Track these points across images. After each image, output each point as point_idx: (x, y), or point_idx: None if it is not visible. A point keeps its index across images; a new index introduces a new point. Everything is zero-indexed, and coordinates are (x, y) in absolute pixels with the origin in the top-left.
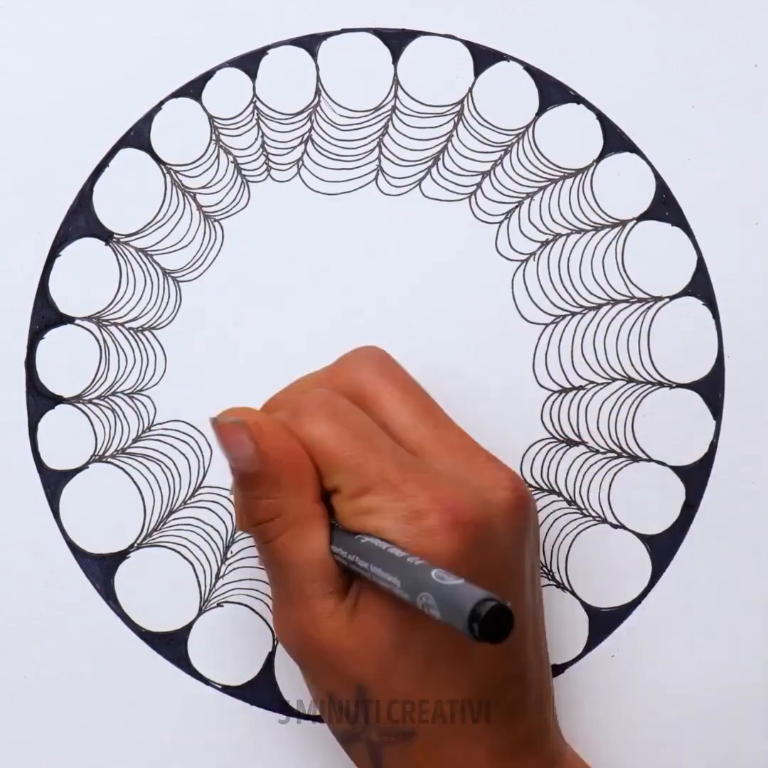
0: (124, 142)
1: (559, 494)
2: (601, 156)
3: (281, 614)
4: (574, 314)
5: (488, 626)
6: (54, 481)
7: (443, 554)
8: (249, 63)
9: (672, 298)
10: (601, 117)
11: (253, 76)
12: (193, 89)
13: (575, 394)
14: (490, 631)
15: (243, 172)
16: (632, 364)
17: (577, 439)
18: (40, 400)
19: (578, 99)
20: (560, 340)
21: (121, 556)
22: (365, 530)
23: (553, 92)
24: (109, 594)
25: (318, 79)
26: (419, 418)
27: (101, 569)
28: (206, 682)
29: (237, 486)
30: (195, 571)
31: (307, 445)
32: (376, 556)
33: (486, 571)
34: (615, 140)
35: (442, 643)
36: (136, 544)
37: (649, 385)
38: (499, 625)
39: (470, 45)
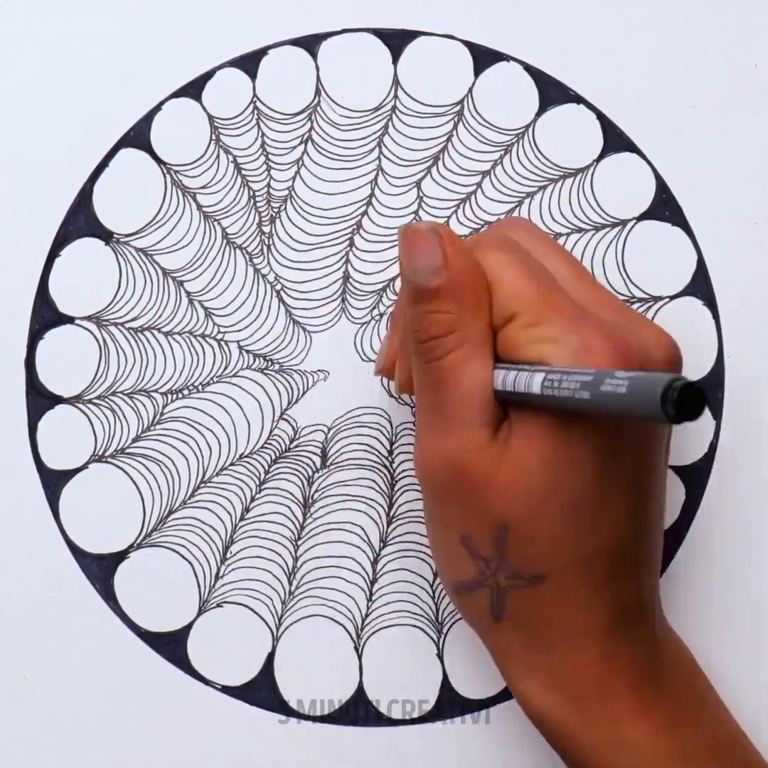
0: (124, 142)
1: None
2: (601, 156)
3: (431, 442)
4: None
5: (682, 405)
6: (54, 481)
7: None
8: (249, 63)
9: (672, 298)
10: (601, 117)
11: (253, 76)
12: (193, 89)
13: None
14: (683, 410)
15: (243, 172)
16: None
17: None
18: (40, 400)
19: (578, 99)
20: None
21: (121, 556)
22: (535, 358)
23: (553, 92)
24: (108, 594)
25: (318, 79)
26: (577, 274)
27: (101, 569)
28: (206, 682)
29: (413, 302)
30: (195, 571)
31: (489, 271)
32: (548, 377)
33: (637, 423)
34: (615, 140)
35: (590, 488)
36: (135, 544)
37: None
38: (692, 404)
39: (470, 45)
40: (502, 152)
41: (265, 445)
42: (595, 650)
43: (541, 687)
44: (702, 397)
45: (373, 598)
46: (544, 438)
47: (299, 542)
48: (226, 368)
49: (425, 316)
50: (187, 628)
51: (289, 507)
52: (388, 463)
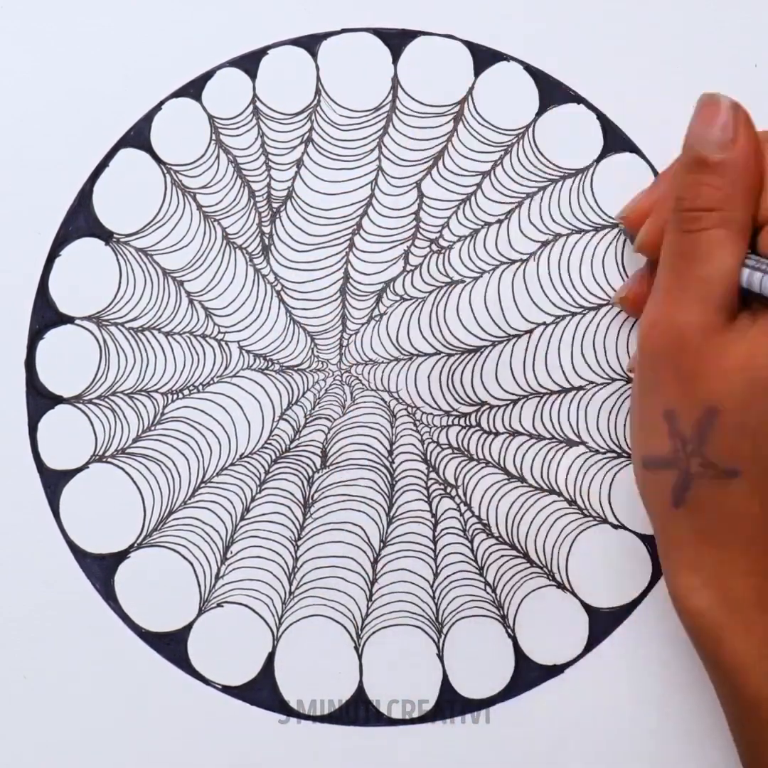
0: (124, 142)
1: (559, 494)
2: (601, 156)
3: (663, 309)
4: (574, 314)
5: None
6: (54, 481)
7: None
8: (249, 63)
9: None
10: (601, 117)
11: (253, 76)
12: (193, 89)
13: (575, 394)
14: None
15: (243, 172)
16: None
17: (577, 439)
18: (40, 400)
19: (578, 99)
20: (560, 340)
21: (121, 556)
22: None
23: (553, 92)
24: (109, 594)
25: (318, 79)
26: None
27: (101, 569)
28: (206, 682)
29: (689, 169)
30: (195, 571)
31: None
32: None
33: None
34: (615, 140)
35: None
36: (136, 544)
37: None
38: None
39: (470, 45)
40: (502, 152)
41: (265, 445)
42: (766, 560)
43: (704, 585)
44: None
45: (373, 598)
46: None
47: (299, 542)
48: (226, 368)
49: (697, 186)
50: (188, 628)
51: (289, 507)
52: (388, 463)
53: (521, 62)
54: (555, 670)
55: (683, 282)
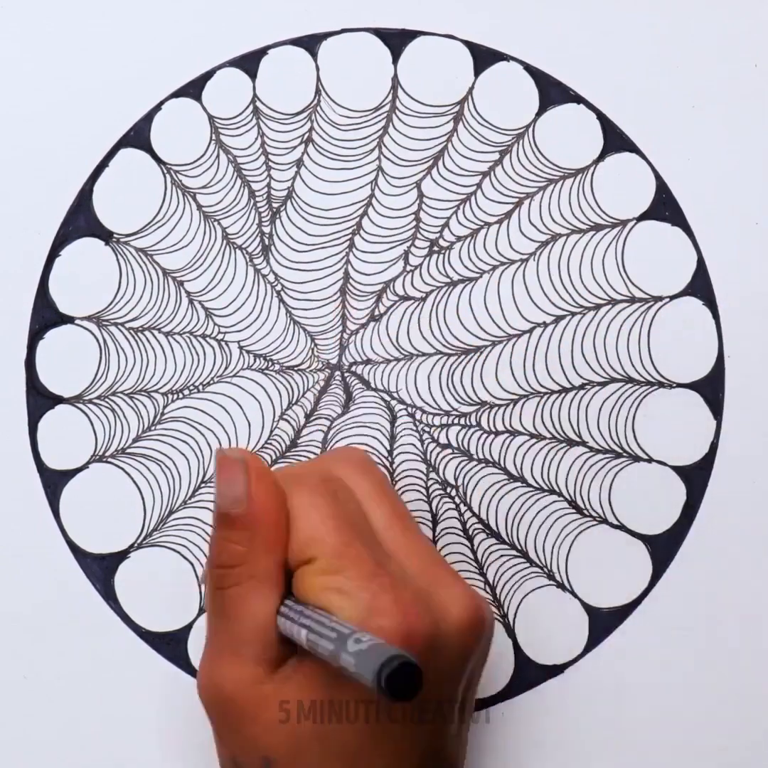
0: (124, 142)
1: (559, 494)
2: (601, 156)
3: (209, 666)
4: (574, 314)
5: (396, 682)
6: (54, 481)
7: None
8: (249, 63)
9: (672, 298)
10: (601, 117)
11: (253, 76)
12: (193, 89)
13: (575, 394)
14: (397, 687)
15: (243, 172)
16: (632, 364)
17: (577, 439)
18: (40, 400)
19: (578, 99)
20: (560, 340)
21: (121, 556)
22: (324, 607)
23: (553, 92)
24: (109, 594)
25: (318, 79)
26: (392, 522)
27: (101, 569)
28: None
29: (215, 524)
30: (195, 571)
31: (295, 511)
32: (322, 625)
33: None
34: (615, 140)
35: (361, 738)
36: (136, 544)
37: (649, 385)
38: (408, 683)
39: (470, 45)
40: (502, 152)
41: (265, 445)
42: None
43: None
44: (417, 676)
45: None
46: (318, 685)
47: None
48: (226, 368)
49: (220, 542)
50: (187, 628)
51: None
52: (387, 463)
53: (521, 62)
54: (555, 670)
55: (220, 639)
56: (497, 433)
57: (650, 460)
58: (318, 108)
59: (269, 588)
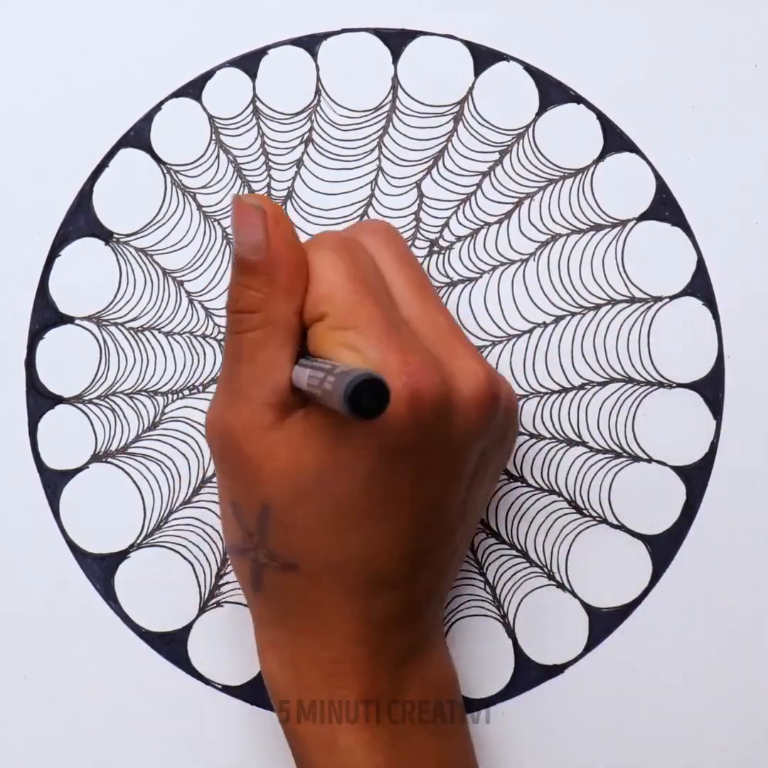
0: (124, 142)
1: (559, 494)
2: (601, 156)
3: (219, 409)
4: (574, 314)
5: (361, 398)
6: (54, 481)
7: (391, 414)
8: (249, 63)
9: (672, 298)
10: (601, 117)
11: (253, 76)
12: (193, 89)
13: (575, 394)
14: (363, 403)
15: (243, 172)
16: (632, 364)
17: (577, 439)
18: (40, 400)
19: (578, 99)
20: (560, 340)
21: (121, 556)
22: (333, 359)
23: (553, 92)
24: (109, 594)
25: (318, 79)
26: (412, 292)
27: (101, 569)
28: (206, 682)
29: (233, 270)
30: (195, 571)
31: (314, 267)
32: (322, 369)
33: (423, 451)
34: (615, 140)
35: (356, 495)
36: (136, 544)
37: (649, 385)
38: (374, 400)
39: (470, 45)
40: (502, 152)
41: None
42: (334, 651)
43: (280, 665)
44: (383, 390)
45: None
46: (322, 435)
47: None
48: None
49: (237, 288)
50: (187, 628)
51: None
52: None
53: (521, 62)
54: (555, 670)
55: (233, 382)
56: None
57: (650, 460)
58: (318, 108)
59: (285, 336)
